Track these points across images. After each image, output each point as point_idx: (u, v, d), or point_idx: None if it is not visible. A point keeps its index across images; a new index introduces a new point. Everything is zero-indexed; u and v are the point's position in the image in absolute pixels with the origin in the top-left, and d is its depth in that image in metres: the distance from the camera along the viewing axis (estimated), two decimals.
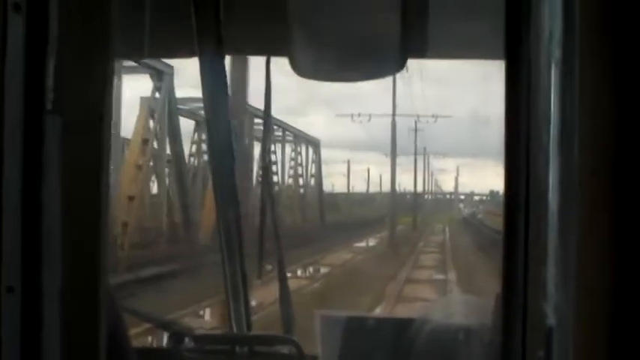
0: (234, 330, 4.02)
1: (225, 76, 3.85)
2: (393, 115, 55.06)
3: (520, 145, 1.45)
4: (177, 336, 3.60)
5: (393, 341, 3.08)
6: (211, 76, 3.86)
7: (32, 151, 0.85)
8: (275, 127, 39.57)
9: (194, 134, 36.60)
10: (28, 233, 0.85)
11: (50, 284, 0.85)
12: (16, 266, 0.83)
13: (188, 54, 3.66)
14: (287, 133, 48.32)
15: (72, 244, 0.88)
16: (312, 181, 56.35)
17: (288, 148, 49.55)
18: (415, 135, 71.38)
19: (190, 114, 34.70)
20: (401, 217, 70.28)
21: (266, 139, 3.84)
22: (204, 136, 33.59)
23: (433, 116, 61.67)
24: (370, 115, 58.55)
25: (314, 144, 56.44)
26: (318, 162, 57.27)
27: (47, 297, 0.85)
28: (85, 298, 0.89)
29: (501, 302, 1.50)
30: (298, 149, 47.99)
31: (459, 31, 3.06)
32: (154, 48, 3.14)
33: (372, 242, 51.23)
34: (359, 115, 58.24)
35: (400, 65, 3.07)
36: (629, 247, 1.34)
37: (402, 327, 3.04)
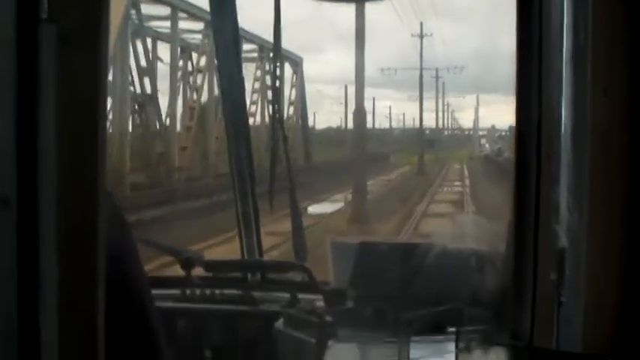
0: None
1: (235, 7, 3.81)
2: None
3: (532, 67, 1.43)
4: (188, 262, 3.62)
5: (404, 265, 3.09)
6: (220, 6, 3.83)
7: (26, 63, 0.83)
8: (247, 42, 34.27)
9: None
10: (22, 148, 0.82)
11: (46, 199, 0.83)
12: (11, 179, 0.81)
13: None
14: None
15: (68, 159, 0.86)
16: (292, 110, 43.28)
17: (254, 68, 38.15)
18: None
19: None
20: (408, 156, 67.26)
21: (275, 67, 3.81)
22: None
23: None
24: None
25: (294, 62, 42.29)
26: (300, 86, 43.36)
27: (43, 211, 0.83)
28: (82, 214, 0.88)
29: (513, 224, 1.49)
30: (267, 68, 36.01)
31: None
32: None
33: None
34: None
35: None
36: None
37: (413, 251, 3.04)
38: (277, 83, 3.87)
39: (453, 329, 2.68)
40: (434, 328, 2.60)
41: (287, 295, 3.42)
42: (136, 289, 1.72)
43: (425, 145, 68.14)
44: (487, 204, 25.49)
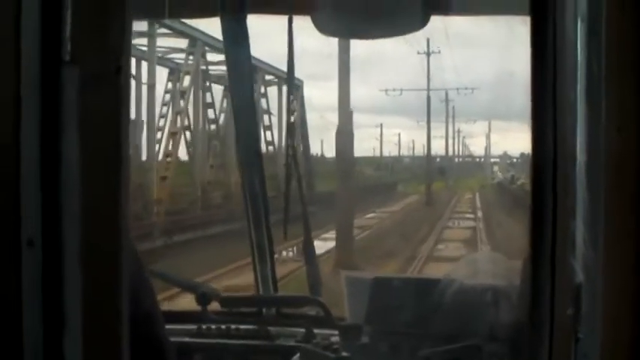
0: (261, 292, 4.04)
1: (248, 37, 3.84)
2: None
3: (547, 101, 1.43)
4: (204, 298, 3.62)
5: (419, 301, 3.08)
6: (233, 37, 3.85)
7: (50, 104, 0.84)
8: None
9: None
10: (47, 187, 0.84)
11: (70, 239, 0.84)
12: (35, 220, 0.82)
13: (210, 14, 3.65)
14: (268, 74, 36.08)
15: (92, 199, 0.87)
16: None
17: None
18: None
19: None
20: (417, 184, 64.00)
21: (289, 101, 3.83)
22: None
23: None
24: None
25: (295, 86, 38.61)
26: (300, 110, 38.64)
27: (67, 251, 0.85)
28: (106, 253, 0.89)
29: (529, 260, 1.49)
30: (262, 90, 34.97)
31: None
32: (175, 7, 3.12)
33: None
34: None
35: (423, 22, 3.04)
36: None
37: (428, 287, 3.04)
38: (292, 119, 3.87)
39: None
40: None
41: (303, 330, 3.41)
42: (151, 323, 1.73)
43: (435, 173, 65.62)
44: (504, 243, 22.65)
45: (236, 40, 3.87)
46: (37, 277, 0.83)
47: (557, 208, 1.42)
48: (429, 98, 57.87)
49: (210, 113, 33.74)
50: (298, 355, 3.17)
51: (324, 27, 3.09)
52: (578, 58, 1.38)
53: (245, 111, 4.08)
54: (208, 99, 33.35)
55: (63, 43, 0.86)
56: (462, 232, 31.81)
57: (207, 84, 32.97)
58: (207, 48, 31.20)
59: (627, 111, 1.33)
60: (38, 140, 0.83)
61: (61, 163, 0.84)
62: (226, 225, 27.16)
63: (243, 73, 4.00)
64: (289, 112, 3.86)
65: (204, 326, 3.51)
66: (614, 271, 1.36)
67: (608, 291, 1.36)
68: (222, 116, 34.25)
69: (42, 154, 0.83)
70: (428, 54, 56.27)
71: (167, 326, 1.88)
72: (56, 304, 0.84)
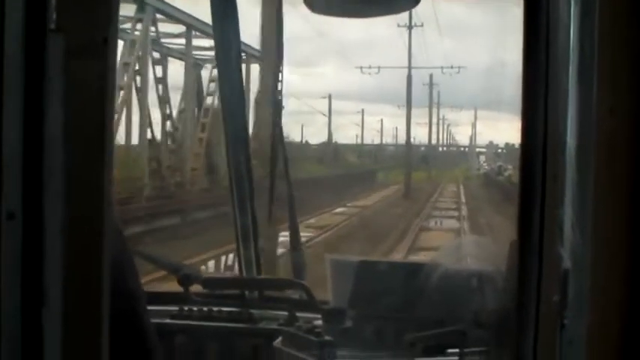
0: (244, 275, 4.04)
1: (237, 16, 3.81)
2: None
3: (538, 84, 1.43)
4: (186, 279, 3.61)
5: (403, 285, 3.08)
6: (222, 16, 3.83)
7: (34, 74, 0.82)
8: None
9: None
10: (29, 159, 0.82)
11: (52, 212, 0.83)
12: (17, 193, 0.80)
13: None
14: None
15: (75, 173, 0.85)
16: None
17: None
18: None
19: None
20: (399, 173, 58.37)
21: (276, 81, 3.81)
22: None
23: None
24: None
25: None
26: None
27: (49, 225, 0.83)
28: (88, 228, 0.87)
29: (516, 246, 1.48)
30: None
31: None
32: None
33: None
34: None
35: (415, 0, 3.01)
36: None
37: (413, 271, 3.03)
38: (279, 97, 3.85)
39: (455, 351, 2.68)
40: (436, 349, 2.58)
41: (285, 314, 3.41)
42: (133, 301, 1.71)
43: (416, 162, 62.07)
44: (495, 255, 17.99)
45: (225, 20, 3.85)
46: (17, 252, 0.81)
47: (545, 194, 1.41)
48: (409, 77, 53.47)
49: (162, 91, 29.72)
50: (280, 338, 3.16)
51: (315, 5, 3.06)
52: (571, 40, 1.36)
53: (233, 93, 4.06)
54: (159, 73, 29.48)
55: (49, 11, 0.84)
56: (442, 236, 26.31)
57: (159, 57, 29.30)
58: (159, 16, 28.18)
59: (620, 92, 1.32)
60: (21, 111, 0.81)
61: (44, 136, 0.82)
62: (172, 219, 24.75)
63: (232, 56, 3.98)
64: (275, 99, 3.83)
65: (186, 308, 3.50)
66: (601, 258, 1.35)
67: (595, 278, 1.35)
68: (179, 95, 31.32)
69: (25, 125, 0.81)
70: (410, 27, 51.58)
71: (148, 307, 1.86)
72: (36, 279, 0.82)
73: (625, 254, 1.34)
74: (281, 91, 3.81)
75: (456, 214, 35.12)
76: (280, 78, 3.82)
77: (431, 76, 65.62)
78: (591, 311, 1.36)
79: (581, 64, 1.34)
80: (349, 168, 63.27)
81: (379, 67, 55.16)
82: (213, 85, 30.46)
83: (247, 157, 4.08)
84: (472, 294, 2.80)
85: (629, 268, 1.34)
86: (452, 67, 57.44)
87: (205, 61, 31.09)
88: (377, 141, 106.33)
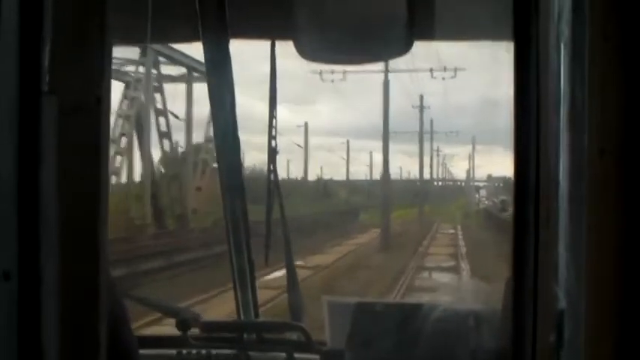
0: (242, 317, 4.03)
1: (230, 61, 3.83)
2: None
3: (529, 126, 1.44)
4: (184, 323, 3.60)
5: (401, 327, 3.07)
6: (215, 62, 3.85)
7: (28, 135, 0.83)
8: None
9: None
10: (24, 218, 0.83)
11: (48, 271, 0.83)
12: (12, 251, 0.81)
13: (192, 39, 3.65)
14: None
15: (70, 230, 0.86)
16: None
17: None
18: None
19: None
20: (368, 212, 52.41)
21: (271, 125, 3.83)
22: None
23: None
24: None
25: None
26: None
27: (45, 284, 0.83)
28: (85, 285, 0.87)
29: (511, 286, 1.49)
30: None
31: (466, 11, 3.04)
32: (156, 33, 3.12)
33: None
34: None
35: (407, 47, 3.04)
36: None
37: (410, 312, 3.03)
38: (273, 143, 3.86)
39: None
40: None
41: (284, 355, 3.40)
42: (128, 354, 1.71)
43: (408, 197, 53.46)
44: None
45: (218, 65, 3.87)
46: (14, 311, 0.81)
47: (539, 234, 1.42)
48: (386, 84, 40.69)
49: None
50: None
51: (305, 52, 3.09)
52: (561, 83, 1.38)
53: (227, 135, 4.07)
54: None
55: (42, 74, 0.85)
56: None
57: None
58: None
59: (610, 134, 1.34)
60: (16, 172, 0.82)
61: (39, 195, 0.83)
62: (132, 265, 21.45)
63: (225, 99, 4.00)
64: (270, 139, 3.85)
65: (184, 351, 3.49)
66: (597, 298, 1.35)
67: (591, 318, 1.36)
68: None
69: (19, 186, 0.82)
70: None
71: (147, 351, 1.86)
72: (34, 339, 0.83)
73: (619, 294, 1.34)
74: (275, 137, 3.82)
75: (454, 276, 23.79)
76: (274, 124, 3.83)
77: (421, 97, 54.16)
78: (587, 352, 1.36)
79: (572, 108, 1.36)
80: (331, 206, 56.54)
81: (344, 72, 40.10)
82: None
83: (243, 199, 4.09)
84: (469, 334, 2.79)
85: (625, 307, 1.35)
86: (445, 70, 42.57)
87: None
88: (365, 177, 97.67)
